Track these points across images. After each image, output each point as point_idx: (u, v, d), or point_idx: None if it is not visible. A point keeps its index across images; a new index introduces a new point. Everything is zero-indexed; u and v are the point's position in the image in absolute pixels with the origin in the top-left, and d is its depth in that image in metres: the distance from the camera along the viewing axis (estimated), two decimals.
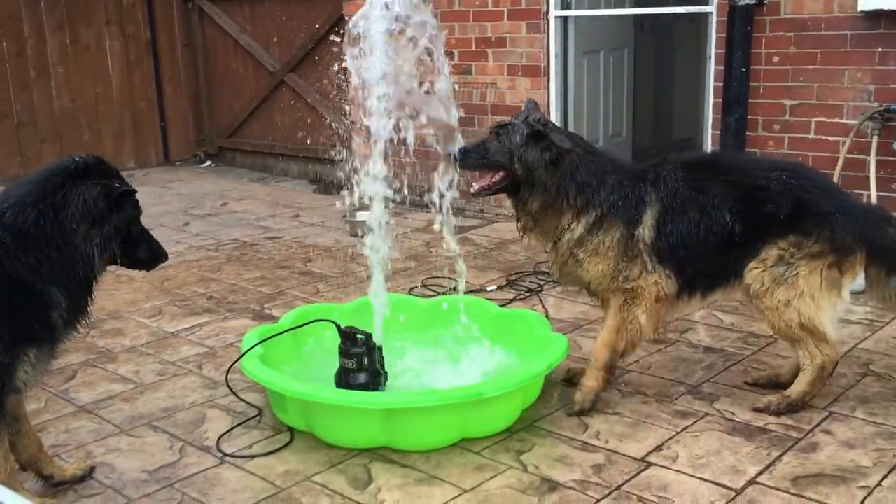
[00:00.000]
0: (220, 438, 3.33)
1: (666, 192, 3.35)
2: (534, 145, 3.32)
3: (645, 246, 3.35)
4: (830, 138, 5.28)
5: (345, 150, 8.27)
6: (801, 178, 3.36)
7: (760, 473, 2.99)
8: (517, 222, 3.52)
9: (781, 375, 3.66)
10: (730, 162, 3.74)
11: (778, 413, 3.38)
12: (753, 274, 3.33)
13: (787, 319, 3.31)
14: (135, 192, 2.88)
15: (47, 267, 2.61)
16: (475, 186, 3.47)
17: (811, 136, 5.36)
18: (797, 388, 3.43)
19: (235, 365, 3.58)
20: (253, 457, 3.20)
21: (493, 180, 3.44)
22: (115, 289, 5.28)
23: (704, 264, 3.38)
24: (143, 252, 2.96)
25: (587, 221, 3.37)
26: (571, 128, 6.86)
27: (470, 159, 3.43)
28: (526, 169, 3.33)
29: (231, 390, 3.65)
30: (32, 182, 2.70)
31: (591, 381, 3.48)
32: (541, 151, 3.31)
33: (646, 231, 3.35)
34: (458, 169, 3.46)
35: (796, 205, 3.26)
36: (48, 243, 2.61)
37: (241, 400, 3.60)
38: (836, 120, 5.25)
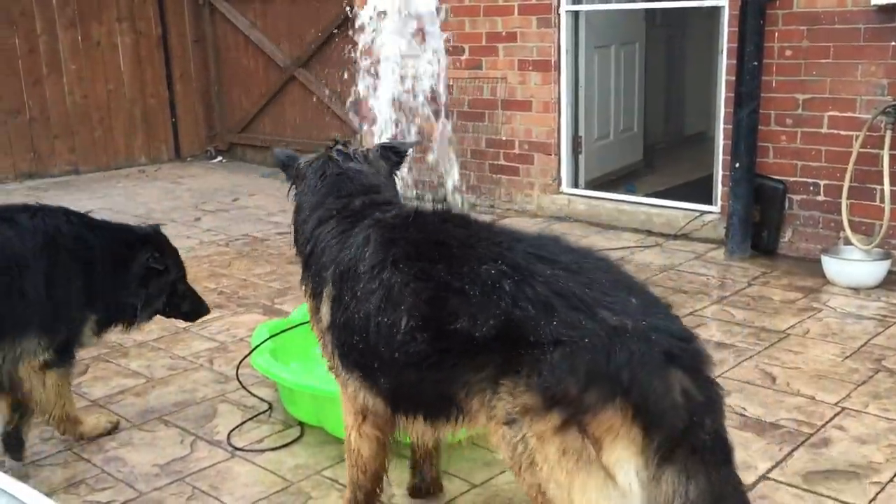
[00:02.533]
0: (230, 433, 3.34)
1: (343, 264, 2.40)
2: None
3: (325, 330, 2.49)
4: (843, 133, 5.24)
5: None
6: (525, 279, 2.04)
7: (772, 469, 2.98)
8: None
9: None
10: (444, 235, 2.32)
11: None
12: (492, 431, 2.13)
13: None
14: (178, 269, 3.55)
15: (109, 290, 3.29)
16: None
17: (824, 130, 5.33)
18: None
19: (247, 359, 3.59)
20: (263, 451, 3.21)
21: None
22: None
23: (396, 380, 2.30)
24: (185, 307, 3.58)
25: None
26: (582, 123, 6.86)
27: None
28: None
29: (242, 385, 3.66)
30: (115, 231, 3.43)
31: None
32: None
33: (324, 309, 2.47)
34: None
35: (502, 326, 2.02)
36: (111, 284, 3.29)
37: (252, 394, 3.61)
38: (849, 114, 5.21)
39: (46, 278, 3.04)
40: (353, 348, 2.35)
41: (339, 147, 2.74)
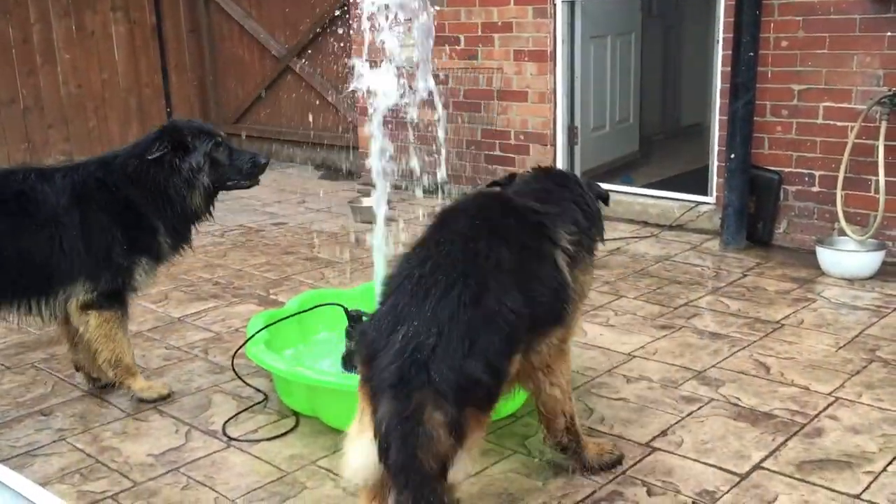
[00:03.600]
0: (225, 423, 3.35)
1: None
2: None
3: None
4: (839, 123, 5.24)
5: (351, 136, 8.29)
6: None
7: (765, 459, 2.99)
8: None
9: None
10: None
11: None
12: None
13: None
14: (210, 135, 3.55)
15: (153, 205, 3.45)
16: None
17: (819, 121, 5.33)
18: None
19: (241, 350, 3.58)
20: (258, 441, 3.21)
21: None
22: None
23: None
24: (233, 173, 3.61)
25: None
26: (578, 113, 6.84)
27: None
28: None
29: (237, 375, 3.65)
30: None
31: None
32: None
33: None
34: None
35: None
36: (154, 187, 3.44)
37: (247, 384, 3.61)
38: (845, 105, 5.21)
39: (81, 230, 3.30)
40: None
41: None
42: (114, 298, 3.42)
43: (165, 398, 3.54)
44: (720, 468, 2.94)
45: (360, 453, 2.23)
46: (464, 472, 2.26)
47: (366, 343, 2.28)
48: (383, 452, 2.12)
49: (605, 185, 3.31)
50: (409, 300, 2.25)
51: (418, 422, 2.10)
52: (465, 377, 2.15)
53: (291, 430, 3.27)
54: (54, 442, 3.25)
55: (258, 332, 3.49)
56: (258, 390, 3.58)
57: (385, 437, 2.11)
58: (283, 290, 4.97)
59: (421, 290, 2.25)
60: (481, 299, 2.26)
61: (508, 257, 2.42)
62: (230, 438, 3.24)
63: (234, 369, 3.67)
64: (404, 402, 2.10)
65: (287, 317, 3.67)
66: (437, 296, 2.23)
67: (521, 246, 2.50)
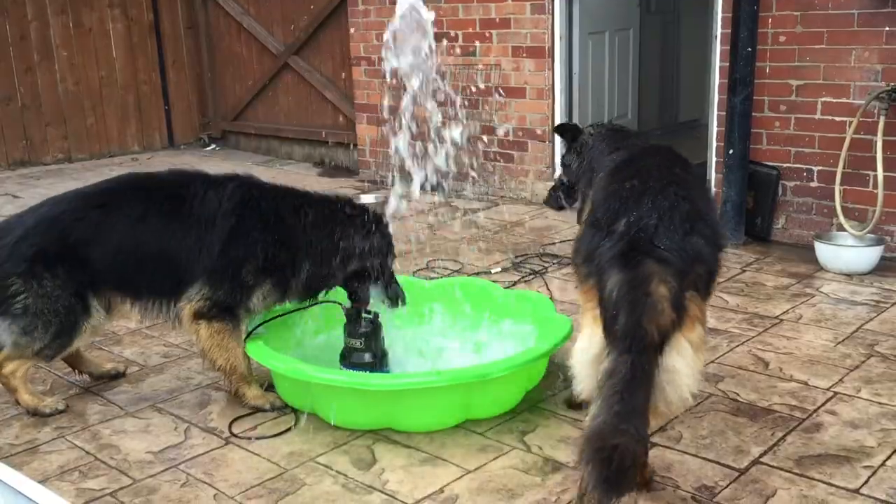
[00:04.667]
0: (231, 423, 3.34)
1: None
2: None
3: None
4: (837, 118, 5.24)
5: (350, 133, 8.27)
6: None
7: (764, 454, 2.99)
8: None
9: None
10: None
11: None
12: None
13: None
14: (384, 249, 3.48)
15: (309, 259, 3.39)
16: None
17: (817, 116, 5.32)
18: None
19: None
20: (258, 438, 3.21)
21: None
22: None
23: None
24: (364, 293, 3.48)
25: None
26: (576, 109, 6.84)
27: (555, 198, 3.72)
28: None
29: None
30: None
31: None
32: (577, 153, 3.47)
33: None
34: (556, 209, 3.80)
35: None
36: (320, 248, 3.40)
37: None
38: (843, 100, 5.20)
39: (227, 237, 3.29)
40: None
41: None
42: (226, 311, 3.34)
43: (278, 408, 3.42)
44: (719, 463, 2.94)
45: (589, 346, 2.49)
46: (683, 361, 2.40)
47: (585, 243, 2.56)
48: (612, 321, 2.33)
49: None
50: (624, 202, 2.54)
51: (646, 292, 2.31)
52: (687, 251, 2.40)
53: (290, 428, 3.27)
54: (53, 440, 3.25)
55: (256, 327, 3.48)
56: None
57: (615, 305, 2.33)
58: None
59: (635, 195, 2.54)
60: (692, 200, 2.56)
61: (696, 188, 2.73)
62: (231, 435, 3.24)
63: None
64: (633, 271, 2.34)
65: (286, 313, 3.65)
66: (654, 192, 2.53)
67: (696, 184, 2.81)
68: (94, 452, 3.14)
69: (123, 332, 4.32)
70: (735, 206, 5.47)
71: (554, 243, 5.67)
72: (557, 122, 6.70)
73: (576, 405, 3.23)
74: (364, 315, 3.43)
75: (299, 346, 3.74)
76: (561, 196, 3.65)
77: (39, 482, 2.53)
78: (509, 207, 6.71)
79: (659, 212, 2.46)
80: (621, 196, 2.60)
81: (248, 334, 3.47)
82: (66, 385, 3.73)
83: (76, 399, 3.58)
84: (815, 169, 5.37)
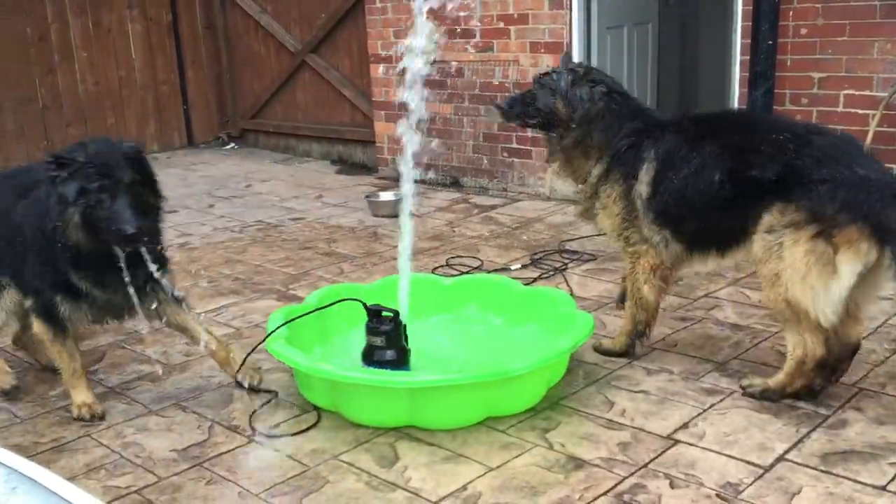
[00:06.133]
0: (250, 416, 3.36)
1: (664, 148, 3.36)
2: (581, 84, 3.49)
3: (642, 204, 3.40)
4: (860, 111, 5.19)
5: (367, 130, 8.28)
6: (804, 144, 3.11)
7: (789, 450, 2.97)
8: (548, 152, 3.71)
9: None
10: (743, 121, 3.64)
11: (755, 397, 3.32)
12: (754, 240, 3.19)
13: (774, 293, 3.13)
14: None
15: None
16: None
17: (840, 109, 5.28)
18: (777, 377, 3.29)
19: (261, 345, 3.58)
20: (280, 436, 3.22)
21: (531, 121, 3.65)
22: None
23: (702, 224, 3.33)
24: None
25: (600, 168, 3.49)
26: None
27: (515, 109, 3.66)
28: (571, 107, 3.49)
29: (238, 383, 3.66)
30: None
31: (615, 343, 3.78)
32: (590, 88, 3.48)
33: (642, 188, 3.39)
34: (505, 120, 3.78)
35: (785, 171, 3.08)
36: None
37: (259, 390, 3.62)
38: (866, 92, 5.15)
39: None
40: (668, 209, 3.33)
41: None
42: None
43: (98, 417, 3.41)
44: (743, 460, 2.92)
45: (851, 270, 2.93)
46: None
47: (841, 191, 2.94)
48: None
49: None
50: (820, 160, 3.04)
51: None
52: None
53: (314, 425, 3.28)
54: (79, 438, 3.28)
55: (277, 328, 3.49)
56: (268, 391, 3.57)
57: None
58: (301, 285, 4.99)
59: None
60: None
61: None
62: (253, 433, 3.25)
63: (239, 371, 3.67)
64: None
65: (306, 313, 3.66)
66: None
67: None
68: (120, 450, 3.17)
69: (146, 332, 4.35)
70: None
71: (573, 239, 5.66)
72: None
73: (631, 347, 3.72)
74: (385, 313, 3.43)
75: (323, 343, 3.76)
76: (523, 113, 3.67)
77: (67, 480, 2.56)
78: (528, 203, 6.70)
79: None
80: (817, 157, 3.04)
81: (269, 334, 3.48)
82: (93, 383, 3.75)
83: (100, 398, 3.60)
84: None
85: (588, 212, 3.66)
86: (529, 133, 6.86)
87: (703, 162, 3.26)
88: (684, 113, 3.60)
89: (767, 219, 3.11)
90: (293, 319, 3.57)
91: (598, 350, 3.78)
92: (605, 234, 3.69)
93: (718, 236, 3.35)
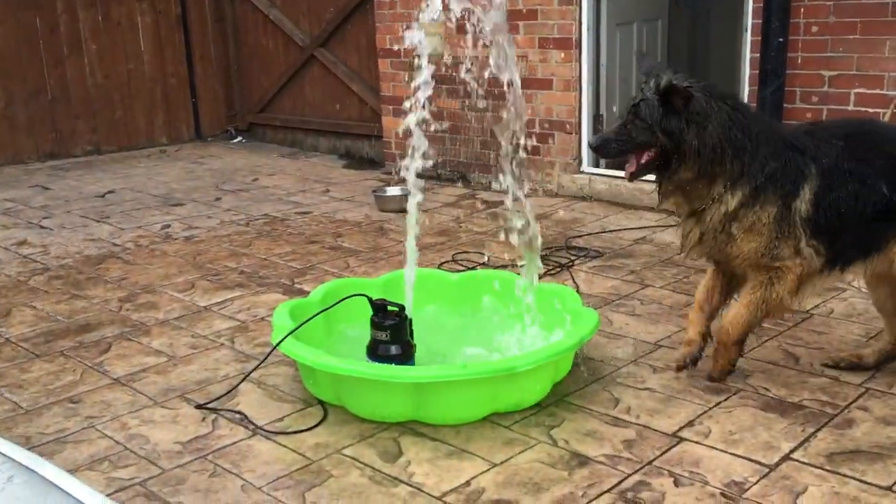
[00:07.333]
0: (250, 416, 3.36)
1: (826, 164, 3.20)
2: (672, 113, 3.15)
3: (801, 220, 3.20)
4: (870, 110, 5.15)
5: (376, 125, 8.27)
6: None
7: (795, 450, 2.96)
8: (658, 189, 3.35)
9: (863, 357, 3.56)
10: (884, 130, 3.57)
11: None
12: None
13: None
14: None
15: None
16: (627, 171, 3.32)
17: (850, 107, 5.24)
18: None
19: (265, 338, 3.59)
20: (285, 431, 3.22)
21: (644, 161, 3.25)
22: (149, 263, 5.34)
23: (855, 237, 3.26)
24: None
25: (743, 193, 3.18)
26: (603, 101, 6.79)
27: (612, 149, 3.36)
28: (672, 141, 3.16)
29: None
30: None
31: (722, 359, 3.44)
32: (682, 119, 3.14)
33: (803, 205, 3.19)
34: (603, 159, 3.47)
35: None
36: None
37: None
38: (877, 91, 5.12)
39: None
40: (829, 224, 3.21)
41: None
42: None
43: None
44: (748, 459, 2.91)
45: None
46: None
47: None
48: None
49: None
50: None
51: None
52: None
53: (322, 421, 3.27)
54: (83, 429, 3.28)
55: (292, 331, 3.47)
56: (281, 390, 3.57)
57: None
58: (307, 279, 4.98)
59: None
60: None
61: None
62: (256, 427, 3.25)
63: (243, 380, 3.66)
64: None
65: (317, 313, 3.62)
66: None
67: None
68: (124, 442, 3.17)
69: (152, 324, 4.35)
70: None
71: (580, 236, 5.64)
72: (585, 113, 6.65)
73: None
74: (390, 307, 3.43)
75: (328, 337, 3.75)
76: (617, 148, 3.34)
77: (69, 472, 2.56)
78: (535, 200, 6.68)
79: None
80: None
81: (289, 334, 3.46)
82: (98, 375, 3.76)
83: (105, 389, 3.61)
84: None
85: (708, 242, 3.32)
86: (537, 129, 6.84)
87: (869, 173, 3.19)
88: (813, 126, 3.46)
89: None
90: (301, 325, 3.50)
91: (716, 377, 3.48)
92: (734, 257, 3.31)
93: (860, 249, 3.30)
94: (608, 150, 3.41)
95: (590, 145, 3.50)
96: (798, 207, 3.20)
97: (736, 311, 3.37)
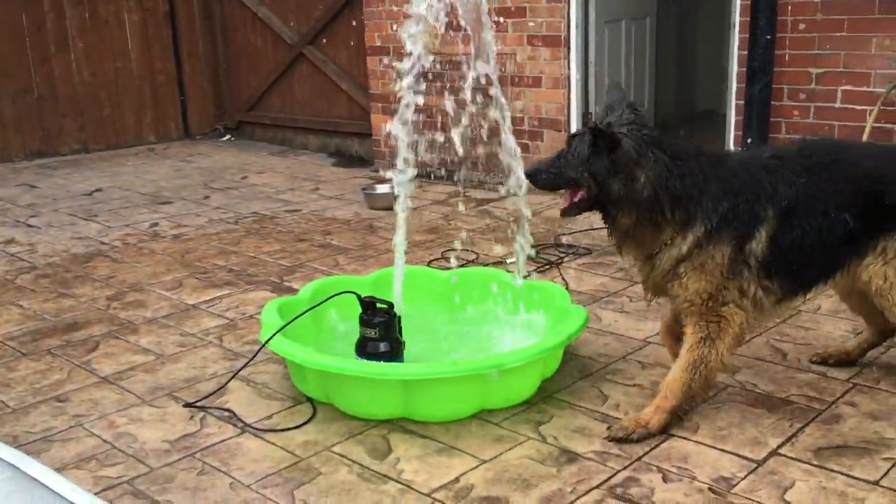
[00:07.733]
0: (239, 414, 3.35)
1: (786, 205, 3.00)
2: (600, 156, 2.90)
3: (755, 261, 3.02)
4: (857, 107, 5.18)
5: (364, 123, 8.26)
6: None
7: (782, 445, 2.97)
8: (610, 237, 3.14)
9: (851, 352, 3.57)
10: (850, 156, 3.26)
11: None
12: (871, 270, 3.07)
13: None
14: None
15: None
16: (561, 208, 3.12)
17: (837, 105, 5.27)
18: None
19: (253, 336, 3.57)
20: (273, 428, 3.21)
21: (577, 199, 3.03)
22: (137, 261, 5.31)
23: (814, 268, 3.13)
24: None
25: (696, 236, 2.98)
26: (592, 99, 6.80)
27: (541, 180, 3.08)
28: (597, 183, 2.92)
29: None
30: None
31: (650, 419, 3.07)
32: (610, 163, 2.89)
33: (759, 247, 3.01)
34: (537, 189, 3.19)
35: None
36: None
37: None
38: (864, 88, 5.15)
39: None
40: (787, 262, 3.05)
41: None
42: None
43: None
44: (736, 454, 2.92)
45: None
46: None
47: None
48: None
49: None
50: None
51: None
52: None
53: (310, 419, 3.26)
54: (70, 428, 3.26)
55: (280, 329, 3.46)
56: (269, 388, 3.56)
57: None
58: (296, 277, 4.97)
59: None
60: None
61: None
62: (245, 424, 3.24)
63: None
64: None
65: (306, 311, 3.62)
66: None
67: None
68: (112, 441, 3.16)
69: (140, 322, 4.34)
70: None
71: (569, 233, 5.65)
72: (574, 110, 6.66)
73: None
74: (379, 304, 3.42)
75: (318, 334, 3.75)
76: (547, 180, 3.09)
77: (56, 470, 2.55)
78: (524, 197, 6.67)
79: None
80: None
81: (278, 331, 3.45)
82: (85, 373, 3.74)
83: (93, 388, 3.60)
84: None
85: (657, 281, 3.13)
86: (526, 127, 6.85)
87: (831, 204, 3.03)
88: (775, 154, 3.21)
89: (894, 245, 3.05)
90: (289, 322, 3.49)
91: (616, 438, 3.05)
92: (676, 297, 3.12)
93: (819, 276, 3.18)
94: (537, 181, 3.10)
95: (525, 173, 3.25)
96: (752, 249, 3.02)
97: (673, 375, 3.11)
